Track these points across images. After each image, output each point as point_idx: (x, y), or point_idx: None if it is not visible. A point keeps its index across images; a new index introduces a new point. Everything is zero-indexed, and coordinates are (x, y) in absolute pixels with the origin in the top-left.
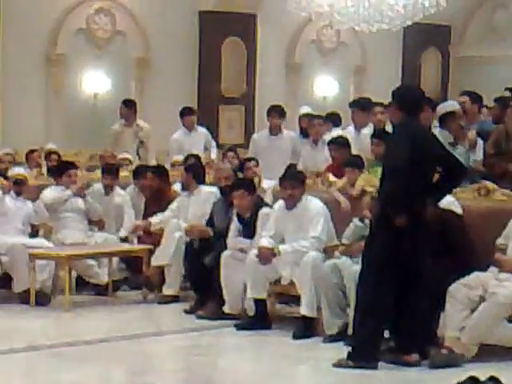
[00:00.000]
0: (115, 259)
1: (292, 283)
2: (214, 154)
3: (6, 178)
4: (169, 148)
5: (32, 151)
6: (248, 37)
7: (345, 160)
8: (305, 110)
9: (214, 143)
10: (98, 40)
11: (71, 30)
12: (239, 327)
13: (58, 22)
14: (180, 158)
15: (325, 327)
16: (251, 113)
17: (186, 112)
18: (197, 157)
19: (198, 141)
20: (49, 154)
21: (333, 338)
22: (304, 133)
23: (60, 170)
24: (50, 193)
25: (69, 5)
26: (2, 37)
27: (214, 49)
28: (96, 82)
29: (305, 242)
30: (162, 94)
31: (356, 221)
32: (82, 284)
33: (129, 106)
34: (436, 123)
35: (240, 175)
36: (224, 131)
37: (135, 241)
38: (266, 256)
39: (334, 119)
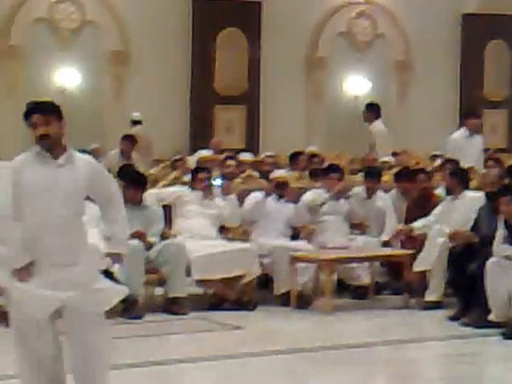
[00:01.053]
0: (376, 263)
1: None
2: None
3: (268, 180)
4: (446, 147)
5: (297, 153)
6: None
7: None
8: None
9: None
10: (358, 43)
11: (332, 33)
12: (506, 336)
13: (319, 25)
14: (438, 162)
15: None
16: None
17: (470, 115)
18: (455, 162)
19: (476, 146)
20: (311, 156)
21: None
22: None
23: (321, 172)
24: (311, 195)
25: (330, 9)
26: (264, 41)
27: (476, 52)
28: (357, 85)
29: None
30: (423, 97)
31: None
32: (342, 287)
33: (369, 109)
34: None
35: (506, 181)
36: (486, 135)
37: (397, 245)
38: None
39: None
